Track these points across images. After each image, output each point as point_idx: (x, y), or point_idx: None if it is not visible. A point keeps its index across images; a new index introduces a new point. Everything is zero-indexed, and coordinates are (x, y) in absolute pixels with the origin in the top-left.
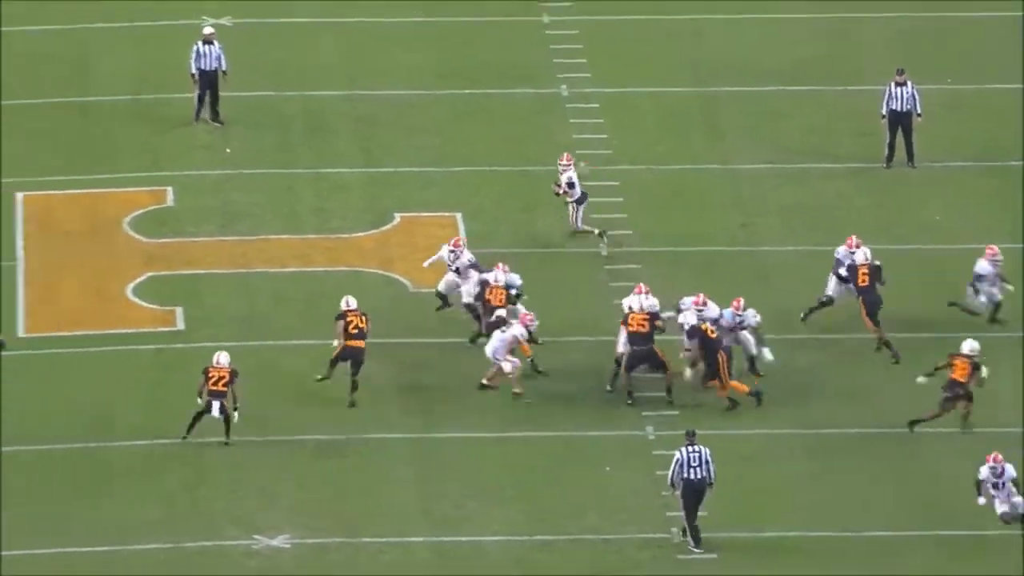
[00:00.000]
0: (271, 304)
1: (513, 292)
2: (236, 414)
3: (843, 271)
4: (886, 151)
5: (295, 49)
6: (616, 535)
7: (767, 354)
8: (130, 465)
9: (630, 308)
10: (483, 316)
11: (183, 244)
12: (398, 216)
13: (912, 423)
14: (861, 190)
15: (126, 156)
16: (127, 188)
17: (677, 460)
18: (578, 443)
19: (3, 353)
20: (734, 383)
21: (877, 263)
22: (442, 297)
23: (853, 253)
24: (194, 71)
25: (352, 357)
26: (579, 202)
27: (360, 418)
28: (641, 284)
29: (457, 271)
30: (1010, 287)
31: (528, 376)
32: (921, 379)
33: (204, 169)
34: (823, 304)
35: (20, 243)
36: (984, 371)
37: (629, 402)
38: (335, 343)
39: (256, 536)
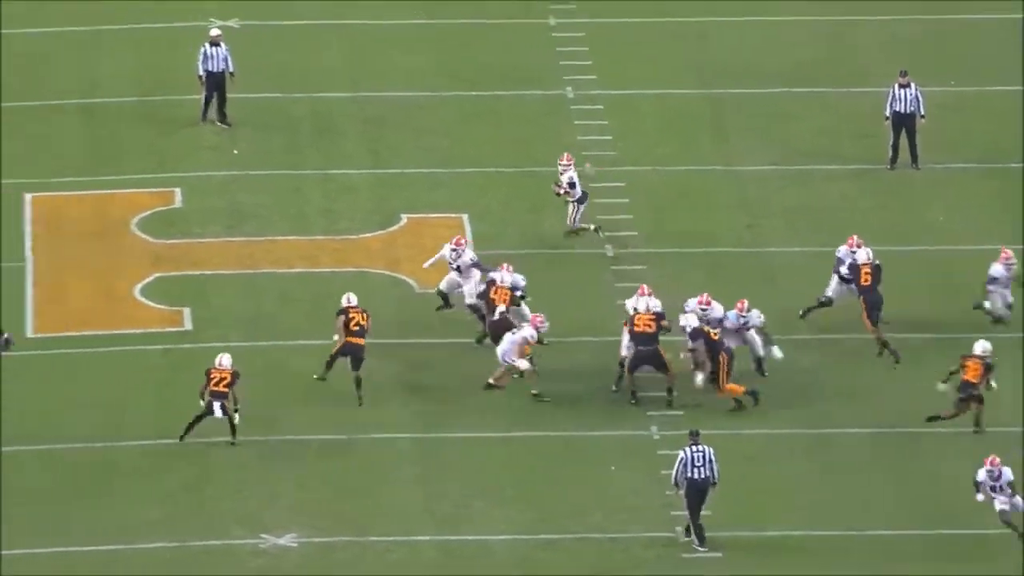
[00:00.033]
0: (278, 305)
1: (518, 294)
2: (237, 415)
3: (844, 270)
4: (890, 153)
5: (303, 51)
6: (621, 534)
7: (776, 352)
8: (137, 465)
9: (635, 310)
10: (487, 315)
11: (191, 245)
12: (405, 217)
13: (930, 418)
14: (865, 191)
15: (134, 157)
16: (135, 189)
17: (681, 460)
18: (583, 443)
19: (12, 352)
20: (730, 385)
21: (877, 263)
22: (443, 297)
23: (854, 252)
24: (201, 73)
25: (352, 354)
26: (580, 201)
27: (366, 418)
28: (644, 285)
29: (458, 269)
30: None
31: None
32: (941, 387)
33: (212, 170)
34: (822, 304)
35: (28, 244)
36: (993, 383)
37: (633, 402)
38: (335, 338)
39: (263, 535)
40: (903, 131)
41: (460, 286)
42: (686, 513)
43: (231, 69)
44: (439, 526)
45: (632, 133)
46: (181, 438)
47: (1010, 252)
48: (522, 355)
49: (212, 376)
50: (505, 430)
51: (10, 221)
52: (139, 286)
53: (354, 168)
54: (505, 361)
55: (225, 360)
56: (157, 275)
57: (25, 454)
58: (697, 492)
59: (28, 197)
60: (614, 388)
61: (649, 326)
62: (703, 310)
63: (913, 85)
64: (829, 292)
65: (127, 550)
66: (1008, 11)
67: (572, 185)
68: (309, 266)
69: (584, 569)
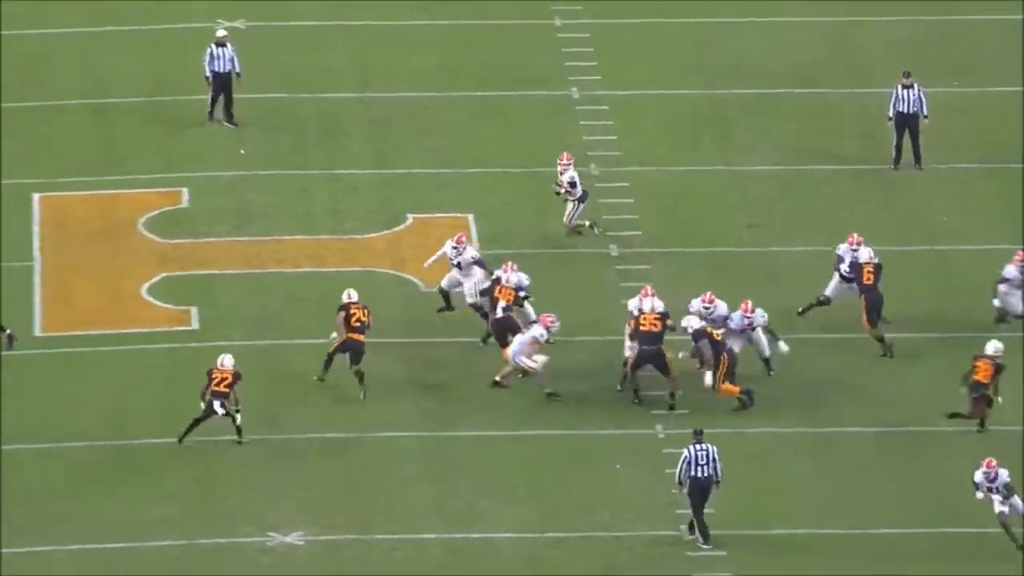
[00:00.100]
0: (285, 304)
1: (521, 294)
2: (239, 416)
3: (845, 268)
4: (893, 153)
5: (309, 52)
6: (627, 532)
7: (782, 346)
8: (145, 463)
9: (639, 310)
10: (489, 313)
11: (197, 245)
12: (411, 217)
13: (951, 415)
14: (869, 191)
15: (141, 157)
16: (142, 189)
17: (685, 458)
18: (589, 441)
19: (19, 351)
20: (726, 386)
21: (878, 262)
22: (445, 297)
23: (855, 250)
24: (208, 74)
25: (352, 349)
26: (580, 200)
27: (372, 416)
28: (647, 286)
29: (459, 266)
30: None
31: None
32: (964, 391)
33: (219, 170)
34: (820, 303)
35: (36, 244)
36: (999, 398)
37: (636, 401)
38: (333, 335)
39: (270, 533)
40: (906, 131)
41: (461, 284)
42: (690, 511)
43: (237, 70)
44: (445, 524)
45: (636, 133)
46: (180, 440)
47: None
48: (532, 355)
49: (213, 376)
50: (511, 429)
51: (18, 221)
52: (146, 286)
53: (360, 168)
54: (516, 362)
55: (227, 361)
56: (164, 275)
57: (32, 452)
58: (700, 491)
59: (36, 197)
60: (619, 387)
61: (655, 325)
62: (706, 309)
63: (916, 86)
64: (828, 291)
65: (135, 548)
66: (1009, 12)
67: (573, 184)
68: (316, 266)
69: (590, 567)
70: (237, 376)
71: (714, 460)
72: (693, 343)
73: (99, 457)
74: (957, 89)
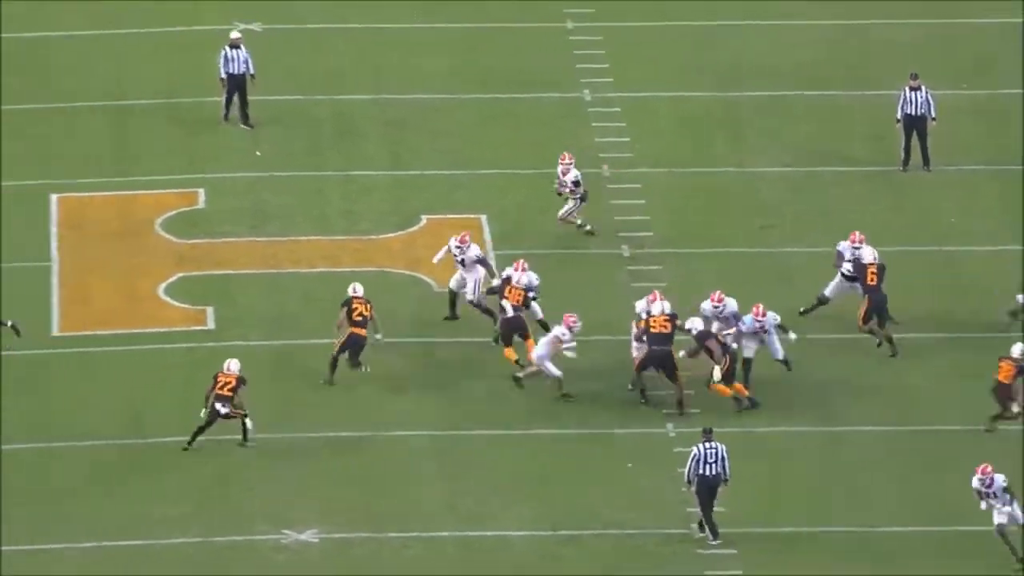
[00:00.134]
0: (300, 304)
1: (531, 295)
2: (249, 421)
3: (848, 266)
4: (902, 155)
5: (324, 54)
6: (638, 530)
7: (791, 335)
8: (161, 462)
9: (648, 313)
10: (499, 313)
11: (214, 245)
12: (425, 218)
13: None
14: (877, 193)
15: (158, 158)
16: (159, 190)
17: (694, 456)
18: (600, 440)
19: (38, 352)
20: (718, 386)
21: (882, 262)
22: (452, 303)
23: (857, 248)
24: (223, 75)
25: (354, 345)
26: (581, 199)
27: (386, 415)
28: (656, 291)
29: (463, 264)
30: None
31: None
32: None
33: (235, 171)
34: (820, 303)
35: (54, 244)
36: (1016, 406)
37: (642, 401)
38: (336, 329)
39: (285, 531)
40: (914, 133)
41: (467, 283)
42: (698, 509)
43: (251, 71)
44: (458, 522)
45: (648, 135)
46: (188, 445)
47: None
48: (555, 355)
49: (219, 380)
50: (523, 428)
51: (36, 221)
52: (163, 286)
53: (375, 170)
54: (541, 366)
55: (233, 365)
56: (181, 275)
57: (50, 451)
58: (708, 489)
59: (54, 198)
60: (630, 387)
61: (665, 327)
62: (715, 308)
63: (924, 88)
64: (827, 291)
65: (152, 546)
66: (1009, 15)
67: (577, 183)
68: (331, 266)
69: (601, 565)
70: (241, 381)
71: (723, 459)
72: (695, 343)
73: (116, 456)
74: (966, 91)
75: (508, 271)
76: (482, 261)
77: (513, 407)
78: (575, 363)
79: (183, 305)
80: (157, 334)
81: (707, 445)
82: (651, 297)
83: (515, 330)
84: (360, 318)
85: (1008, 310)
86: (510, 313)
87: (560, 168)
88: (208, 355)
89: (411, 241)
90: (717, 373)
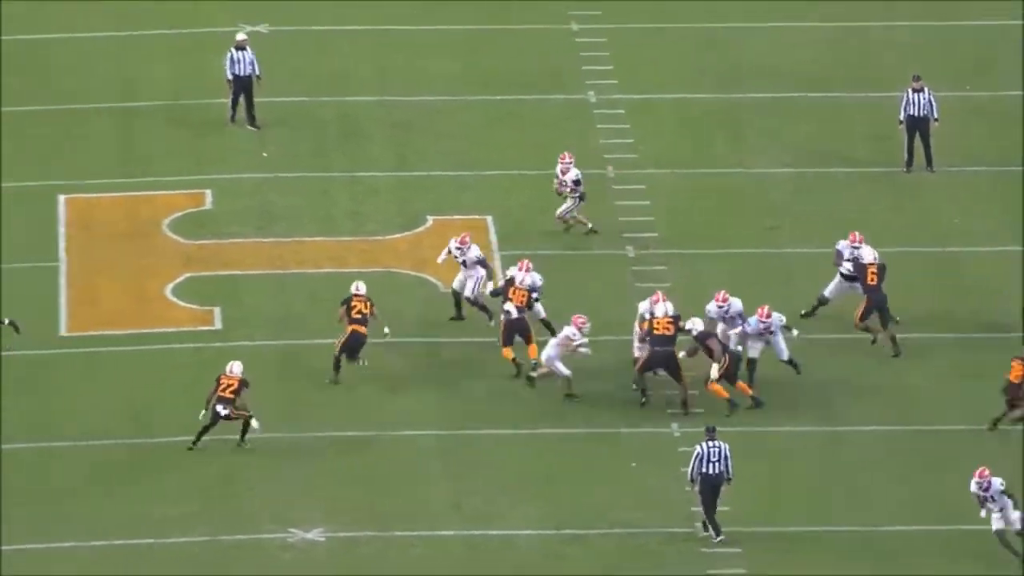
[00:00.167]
0: (307, 304)
1: (534, 296)
2: (256, 421)
3: (848, 266)
4: (905, 156)
5: (330, 56)
6: (642, 529)
7: (793, 331)
8: (168, 461)
9: (651, 314)
10: (502, 314)
11: (221, 245)
12: (431, 219)
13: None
14: (881, 194)
15: (166, 159)
16: (167, 191)
17: (697, 455)
18: (605, 440)
19: (45, 352)
20: (714, 386)
21: (883, 262)
22: (456, 303)
23: (857, 248)
24: (229, 77)
25: (354, 342)
26: (581, 198)
27: (392, 415)
28: (659, 292)
29: (464, 264)
30: None
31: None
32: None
33: (242, 172)
34: (820, 303)
35: (62, 244)
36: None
37: (643, 401)
38: (340, 322)
39: (291, 529)
40: (917, 134)
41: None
42: (701, 508)
43: (257, 72)
44: (463, 521)
45: (652, 136)
46: (193, 445)
47: None
48: (565, 356)
49: (221, 383)
50: (528, 427)
51: (44, 222)
52: (170, 286)
53: (381, 171)
54: (551, 366)
55: (236, 368)
56: (188, 275)
57: (57, 451)
58: (711, 488)
59: (62, 198)
60: (634, 386)
61: (668, 328)
62: (720, 307)
63: (926, 89)
64: (827, 292)
65: (158, 544)
66: (1008, 16)
67: (578, 182)
68: (337, 267)
69: (606, 564)
70: (244, 383)
71: (726, 457)
72: (695, 344)
73: (123, 455)
74: (967, 92)
75: (512, 271)
76: (482, 262)
77: (519, 407)
78: (581, 363)
79: (190, 305)
80: (164, 334)
81: (710, 444)
82: (654, 298)
83: (517, 331)
84: (360, 315)
85: None
86: (514, 315)
87: (560, 167)
88: (215, 355)
89: (417, 242)
90: (715, 371)
